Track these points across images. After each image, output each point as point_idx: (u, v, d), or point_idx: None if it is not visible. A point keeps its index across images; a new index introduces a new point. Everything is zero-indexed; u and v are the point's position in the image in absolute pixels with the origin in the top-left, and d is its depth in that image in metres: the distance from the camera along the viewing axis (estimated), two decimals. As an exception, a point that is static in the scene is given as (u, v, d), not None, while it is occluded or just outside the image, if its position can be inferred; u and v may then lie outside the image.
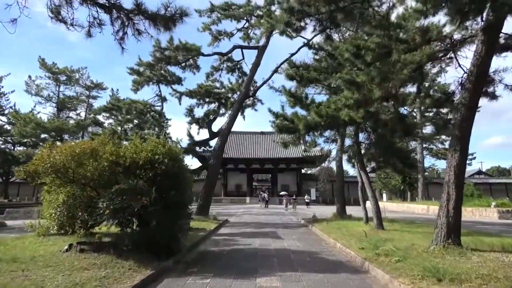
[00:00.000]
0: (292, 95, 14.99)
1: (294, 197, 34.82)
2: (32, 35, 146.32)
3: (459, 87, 9.87)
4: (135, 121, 22.39)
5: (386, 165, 15.35)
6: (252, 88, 25.10)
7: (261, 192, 47.01)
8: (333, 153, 24.17)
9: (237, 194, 54.52)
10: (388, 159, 14.80)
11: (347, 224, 16.65)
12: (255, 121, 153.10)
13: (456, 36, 9.93)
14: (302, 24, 10.72)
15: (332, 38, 15.53)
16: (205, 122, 24.41)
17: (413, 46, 9.78)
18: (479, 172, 70.77)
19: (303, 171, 57.85)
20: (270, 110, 14.77)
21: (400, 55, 9.15)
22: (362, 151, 15.91)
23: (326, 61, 15.87)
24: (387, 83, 9.40)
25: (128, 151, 8.87)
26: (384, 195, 48.86)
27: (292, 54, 20.70)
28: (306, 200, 39.91)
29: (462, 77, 9.78)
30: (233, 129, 59.85)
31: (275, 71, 23.56)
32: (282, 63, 22.95)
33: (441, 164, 67.15)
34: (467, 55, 10.11)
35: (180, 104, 26.30)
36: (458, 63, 10.11)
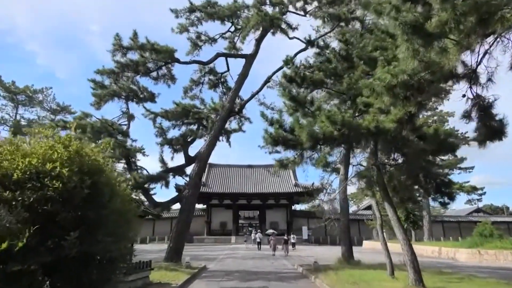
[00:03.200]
0: (293, 98, 11.19)
1: (286, 237, 29.32)
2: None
3: None
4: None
5: (413, 195, 11.29)
6: (238, 103, 21.24)
7: (253, 232, 41.85)
8: (334, 184, 20.24)
9: (221, 232, 49.45)
10: (422, 186, 10.82)
11: (363, 276, 12.34)
12: (242, 153, 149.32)
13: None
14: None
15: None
16: (180, 143, 20.22)
17: None
18: (478, 210, 67.17)
19: (294, 207, 53.30)
20: (262, 114, 10.89)
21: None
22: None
23: (336, 59, 12.24)
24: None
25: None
26: (384, 235, 44.43)
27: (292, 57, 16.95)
28: (292, 241, 33.72)
29: None
30: (218, 162, 56.85)
31: (267, 81, 20.01)
32: (275, 72, 19.46)
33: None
34: None
35: (154, 127, 21.40)
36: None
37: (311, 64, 12.74)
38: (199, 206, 53.30)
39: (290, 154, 11.40)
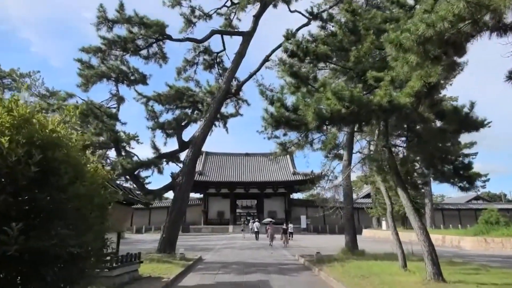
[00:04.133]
0: (294, 74, 10.02)
1: (285, 226, 27.72)
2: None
3: None
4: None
5: (436, 177, 10.21)
6: (235, 85, 19.92)
7: (251, 221, 40.84)
8: (336, 171, 19.20)
9: (219, 222, 48.67)
10: (438, 169, 9.76)
11: (372, 268, 11.38)
12: (239, 141, 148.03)
13: None
14: None
15: None
16: (173, 127, 18.96)
17: None
18: (477, 198, 66.59)
19: (292, 196, 52.49)
20: (262, 92, 9.75)
21: None
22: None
23: (342, 31, 11.05)
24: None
25: None
26: (384, 223, 43.73)
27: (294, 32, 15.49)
28: (290, 230, 31.19)
29: None
30: (215, 150, 55.80)
31: (266, 60, 18.69)
32: (274, 50, 18.16)
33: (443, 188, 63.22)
34: None
35: (146, 111, 20.11)
36: None
37: (315, 37, 11.49)
38: (196, 195, 52.39)
39: (293, 136, 10.29)
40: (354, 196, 60.53)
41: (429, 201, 34.97)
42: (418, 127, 9.70)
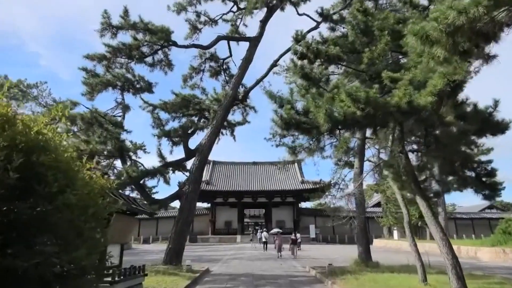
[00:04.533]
0: (305, 75, 9.56)
1: (293, 236, 26.44)
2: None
3: None
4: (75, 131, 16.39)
5: (458, 185, 9.57)
6: (242, 91, 19.50)
7: (259, 231, 40.01)
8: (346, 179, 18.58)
9: (226, 232, 48.00)
10: (460, 176, 9.16)
11: (389, 281, 10.75)
12: (246, 150, 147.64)
13: None
14: None
15: None
16: (179, 135, 18.56)
17: None
18: (490, 207, 64.94)
19: (300, 205, 51.68)
20: (270, 95, 9.26)
21: None
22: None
23: (355, 32, 10.62)
24: None
25: None
26: (395, 232, 42.65)
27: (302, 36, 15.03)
28: (298, 240, 29.00)
29: None
30: (223, 159, 55.44)
31: (273, 65, 18.26)
32: (282, 55, 17.75)
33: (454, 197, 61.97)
34: None
35: (152, 119, 19.78)
36: None
37: (325, 39, 11.05)
38: (203, 205, 51.91)
39: (303, 141, 9.77)
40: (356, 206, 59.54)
41: (442, 210, 33.91)
42: (437, 131, 9.13)
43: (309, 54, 10.40)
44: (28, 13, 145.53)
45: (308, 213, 52.13)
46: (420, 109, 7.63)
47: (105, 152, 16.15)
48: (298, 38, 11.16)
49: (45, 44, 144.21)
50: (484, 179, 9.37)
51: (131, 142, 19.85)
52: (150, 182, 18.49)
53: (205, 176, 47.17)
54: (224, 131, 22.96)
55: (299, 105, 9.50)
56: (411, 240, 10.61)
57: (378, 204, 53.37)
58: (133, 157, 18.93)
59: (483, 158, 18.14)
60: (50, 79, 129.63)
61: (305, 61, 10.67)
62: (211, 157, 52.68)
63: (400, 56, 11.35)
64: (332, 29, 12.91)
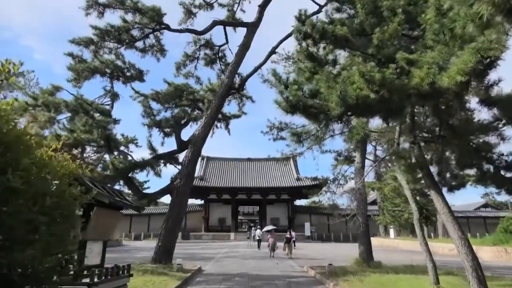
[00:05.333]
0: (311, 56, 8.65)
1: (289, 234, 25.05)
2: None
3: None
4: (58, 119, 15.22)
5: (478, 180, 8.70)
6: (238, 80, 18.45)
7: (253, 228, 39.08)
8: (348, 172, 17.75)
9: (220, 229, 47.11)
10: (480, 169, 8.30)
11: (398, 284, 9.92)
12: (241, 146, 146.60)
13: None
14: None
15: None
16: (170, 125, 17.47)
17: None
18: (485, 205, 64.80)
19: (295, 203, 50.94)
20: (274, 73, 8.33)
21: None
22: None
23: (364, 12, 9.71)
24: None
25: None
26: (392, 231, 42.05)
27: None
28: (293, 239, 27.04)
29: None
30: (217, 155, 54.37)
31: (272, 52, 17.30)
32: (282, 41, 16.76)
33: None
34: None
35: (144, 110, 18.68)
36: None
37: (332, 19, 10.13)
38: (196, 201, 50.89)
39: (310, 127, 8.84)
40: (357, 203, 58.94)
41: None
42: (454, 118, 8.26)
43: (314, 34, 9.47)
44: (22, 6, 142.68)
45: (303, 211, 51.47)
46: (442, 92, 6.75)
47: (91, 143, 15.10)
48: (302, 18, 10.22)
49: (39, 37, 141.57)
50: (503, 172, 8.52)
51: (122, 135, 18.83)
52: (141, 177, 17.46)
53: (199, 172, 46.19)
54: (219, 124, 22.00)
55: (305, 88, 8.60)
56: (422, 239, 9.76)
57: (373, 202, 52.75)
58: (123, 150, 17.92)
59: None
60: (43, 73, 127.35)
61: (309, 41, 9.79)
62: (205, 152, 51.92)
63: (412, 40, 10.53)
64: (338, 10, 11.98)
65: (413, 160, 8.53)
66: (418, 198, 23.55)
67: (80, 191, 4.27)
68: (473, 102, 8.44)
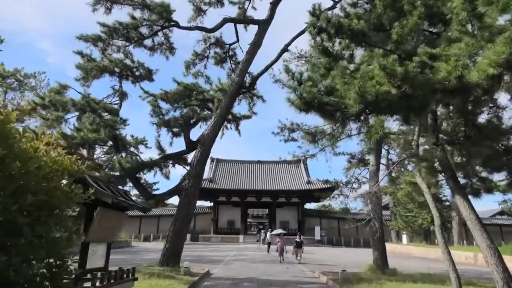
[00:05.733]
0: (326, 51, 8.18)
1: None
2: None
3: None
4: (67, 119, 15.04)
5: (509, 186, 8.10)
6: (249, 79, 17.98)
7: (262, 231, 38.46)
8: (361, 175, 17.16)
9: (229, 231, 46.70)
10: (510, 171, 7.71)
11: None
12: (251, 149, 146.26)
13: None
14: None
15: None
16: (179, 124, 17.09)
17: None
18: (501, 212, 62.95)
19: (305, 206, 50.26)
20: (287, 69, 7.87)
21: None
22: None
23: (383, 4, 9.22)
24: None
25: None
26: (404, 237, 41.03)
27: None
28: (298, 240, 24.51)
29: None
30: (227, 157, 54.06)
31: (285, 49, 16.78)
32: (294, 39, 16.25)
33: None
34: None
35: (152, 109, 18.36)
36: None
37: (348, 13, 9.66)
38: (206, 203, 50.59)
39: (325, 127, 8.36)
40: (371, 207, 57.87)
41: (456, 215, 32.22)
42: (482, 117, 7.71)
43: (329, 29, 8.99)
44: (36, 11, 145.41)
45: (313, 214, 50.77)
46: (471, 87, 6.22)
47: (99, 142, 14.82)
48: (316, 13, 9.75)
49: (53, 41, 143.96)
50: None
51: (132, 136, 18.58)
52: (150, 178, 17.14)
53: (208, 174, 45.93)
54: (228, 125, 21.60)
55: (320, 85, 8.12)
56: (444, 247, 9.14)
57: (385, 207, 51.70)
58: (132, 150, 17.66)
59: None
60: (58, 76, 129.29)
61: (324, 36, 9.32)
62: (215, 154, 51.62)
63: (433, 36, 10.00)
64: (354, 5, 11.49)
65: (436, 163, 7.96)
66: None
67: (76, 189, 3.88)
68: (503, 99, 7.89)
